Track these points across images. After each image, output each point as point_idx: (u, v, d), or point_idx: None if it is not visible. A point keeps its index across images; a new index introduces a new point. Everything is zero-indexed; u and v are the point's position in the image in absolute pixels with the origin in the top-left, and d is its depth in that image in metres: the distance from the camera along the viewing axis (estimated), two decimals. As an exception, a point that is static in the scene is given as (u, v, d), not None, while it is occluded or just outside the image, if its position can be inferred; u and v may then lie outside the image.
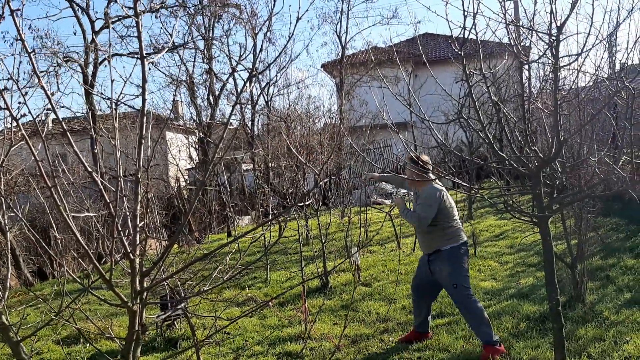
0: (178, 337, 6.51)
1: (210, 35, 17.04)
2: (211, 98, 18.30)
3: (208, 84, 18.08)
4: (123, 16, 14.16)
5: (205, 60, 17.26)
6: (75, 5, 14.32)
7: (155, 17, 15.43)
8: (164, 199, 15.93)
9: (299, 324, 6.71)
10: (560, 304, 4.05)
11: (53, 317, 2.41)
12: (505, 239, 10.16)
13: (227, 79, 18.24)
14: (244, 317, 6.06)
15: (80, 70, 14.24)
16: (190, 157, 19.06)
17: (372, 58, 18.92)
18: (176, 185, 16.98)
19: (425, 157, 5.63)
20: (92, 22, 14.57)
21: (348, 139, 5.12)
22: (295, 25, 2.77)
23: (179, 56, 16.63)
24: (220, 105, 19.28)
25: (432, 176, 5.57)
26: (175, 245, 8.91)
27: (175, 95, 18.80)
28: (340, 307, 7.27)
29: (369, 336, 6.15)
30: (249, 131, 18.84)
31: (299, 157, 9.52)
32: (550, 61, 3.55)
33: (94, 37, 14.46)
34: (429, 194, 5.47)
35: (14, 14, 2.37)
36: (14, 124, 2.60)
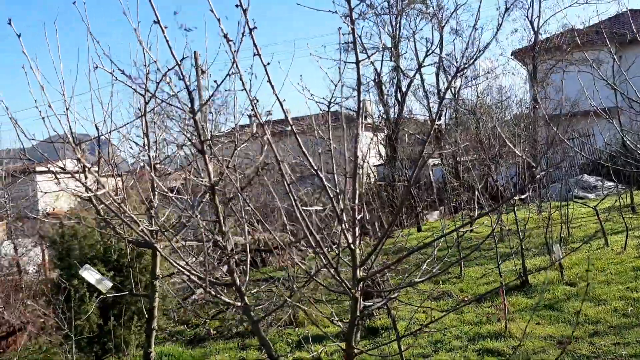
0: (378, 327, 6.80)
1: (397, 33, 17.28)
2: (399, 95, 18.54)
3: (395, 81, 18.35)
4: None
5: (392, 58, 17.55)
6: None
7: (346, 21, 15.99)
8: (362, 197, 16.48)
9: (498, 322, 6.56)
10: None
11: (288, 298, 2.74)
12: None
13: (414, 75, 18.31)
14: (445, 315, 6.15)
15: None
16: (379, 153, 19.51)
17: (569, 41, 17.49)
18: (367, 181, 17.53)
19: None
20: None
21: (553, 128, 4.82)
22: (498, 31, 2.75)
23: (368, 57, 17.11)
24: (407, 102, 19.42)
25: None
26: (368, 238, 9.26)
27: (366, 94, 19.34)
28: (542, 307, 6.95)
29: (576, 338, 5.80)
30: (437, 125, 18.71)
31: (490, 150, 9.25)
32: None
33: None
34: None
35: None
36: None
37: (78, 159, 2.88)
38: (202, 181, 3.11)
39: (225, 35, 2.40)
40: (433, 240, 3.27)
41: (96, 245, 6.32)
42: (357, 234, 2.69)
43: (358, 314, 2.73)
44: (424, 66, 18.25)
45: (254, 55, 2.70)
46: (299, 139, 2.58)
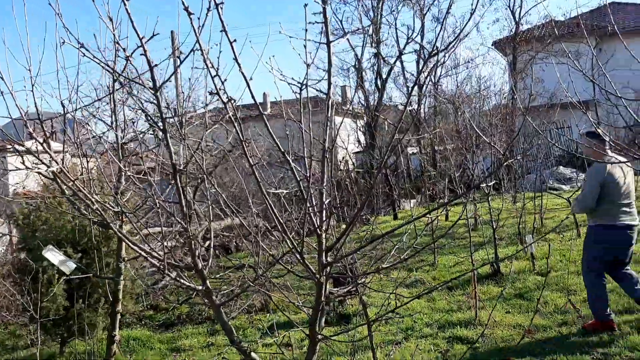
0: (350, 314, 6.78)
1: (378, 18, 17.15)
2: (379, 82, 18.45)
3: (376, 68, 18.26)
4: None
5: (373, 44, 17.45)
6: None
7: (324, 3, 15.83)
8: (332, 182, 16.46)
9: (469, 310, 6.60)
10: None
11: (251, 283, 2.67)
12: None
13: (394, 62, 18.25)
14: (414, 299, 6.12)
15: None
16: (358, 140, 19.46)
17: (550, 33, 17.54)
18: (345, 168, 17.49)
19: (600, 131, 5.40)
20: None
21: (528, 119, 4.81)
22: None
23: (348, 42, 17.01)
24: (387, 89, 19.35)
25: (610, 153, 5.22)
26: (343, 225, 9.22)
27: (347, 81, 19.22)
28: (512, 296, 7.00)
29: (545, 327, 5.85)
30: (415, 114, 18.70)
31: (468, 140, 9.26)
32: None
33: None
34: (590, 171, 5.42)
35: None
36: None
37: (30, 134, 2.76)
38: (165, 161, 3.02)
39: (186, 9, 2.30)
40: (402, 225, 3.22)
41: (66, 227, 6.15)
42: (324, 218, 2.63)
43: (323, 299, 2.68)
44: (405, 53, 18.20)
45: (221, 31, 2.60)
46: (266, 119, 2.49)
